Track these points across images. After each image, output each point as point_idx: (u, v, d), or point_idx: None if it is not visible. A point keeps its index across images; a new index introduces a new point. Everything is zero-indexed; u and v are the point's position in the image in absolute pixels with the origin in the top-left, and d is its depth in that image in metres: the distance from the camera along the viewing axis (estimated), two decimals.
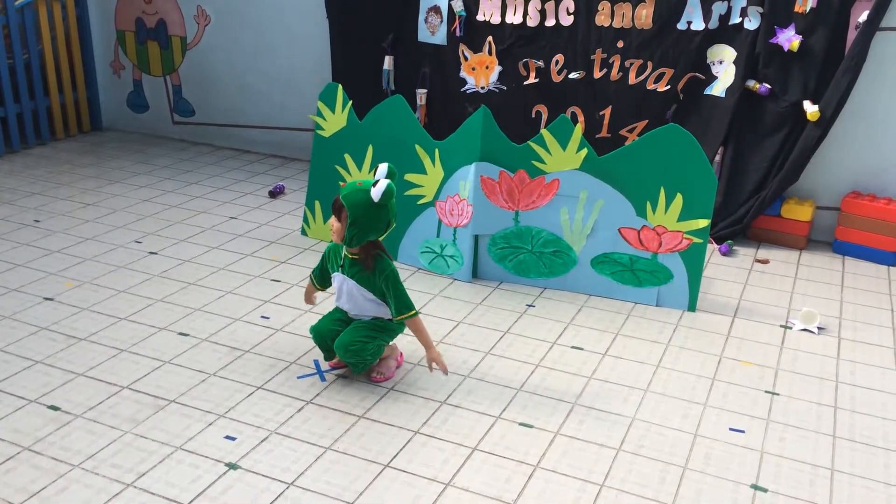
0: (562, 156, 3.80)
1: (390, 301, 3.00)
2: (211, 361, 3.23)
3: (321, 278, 3.20)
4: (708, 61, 4.59)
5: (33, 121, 6.12)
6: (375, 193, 2.85)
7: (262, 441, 2.74)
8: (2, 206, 4.89)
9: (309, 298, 3.33)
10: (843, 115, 4.39)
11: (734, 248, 4.57)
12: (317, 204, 4.49)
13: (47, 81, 6.13)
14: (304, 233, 4.62)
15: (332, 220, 2.96)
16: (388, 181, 2.87)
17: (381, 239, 3.04)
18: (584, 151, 3.77)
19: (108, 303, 3.70)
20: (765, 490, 2.58)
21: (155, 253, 4.28)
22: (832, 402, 3.08)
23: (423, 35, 5.23)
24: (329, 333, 3.10)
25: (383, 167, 2.93)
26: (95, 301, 3.71)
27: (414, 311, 3.03)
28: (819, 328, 3.64)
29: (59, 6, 6.12)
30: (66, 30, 6.22)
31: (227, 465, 2.61)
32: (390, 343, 3.17)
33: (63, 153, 6.03)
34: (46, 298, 3.72)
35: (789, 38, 4.30)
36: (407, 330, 3.10)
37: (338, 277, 3.09)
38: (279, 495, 2.48)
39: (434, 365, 3.02)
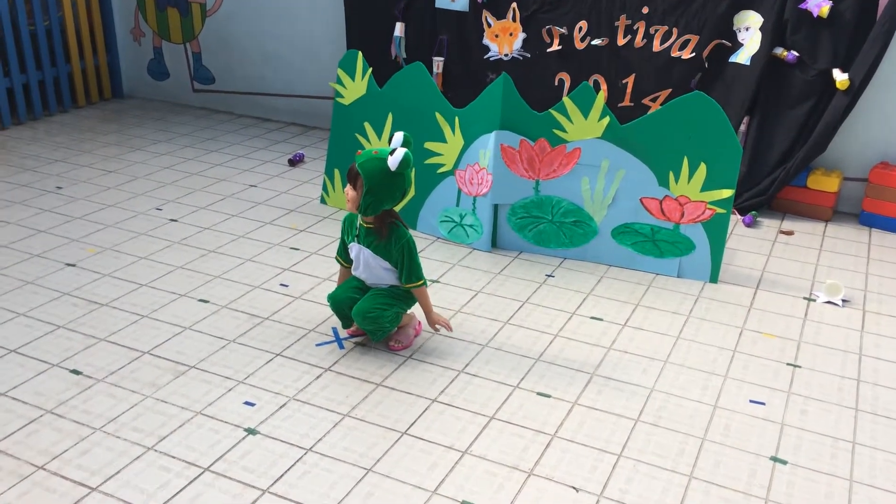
0: (583, 124, 3.75)
1: (403, 268, 3.00)
2: (230, 328, 3.25)
3: (345, 254, 3.19)
4: (734, 28, 4.49)
5: (55, 88, 6.13)
6: (392, 162, 2.82)
7: (280, 407, 2.75)
8: (24, 172, 4.92)
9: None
10: (872, 84, 4.28)
11: (758, 219, 4.50)
12: (336, 172, 4.47)
13: (68, 48, 6.14)
14: (323, 201, 4.61)
15: (348, 189, 2.94)
16: (405, 150, 2.84)
17: (397, 208, 3.02)
18: (606, 120, 3.71)
19: (130, 269, 3.72)
20: (784, 462, 2.56)
21: (175, 220, 4.30)
22: (855, 375, 3.04)
23: (442, 2, 5.15)
24: (347, 301, 3.10)
25: (399, 136, 2.90)
26: (117, 267, 3.73)
27: (423, 281, 3.03)
28: (843, 301, 3.59)
29: None
30: None
31: (246, 430, 2.63)
32: (408, 311, 3.16)
33: (84, 120, 6.05)
34: (68, 264, 3.75)
35: (819, 4, 4.19)
36: None
37: (354, 247, 3.08)
38: (297, 460, 2.50)
39: (437, 326, 3.06)
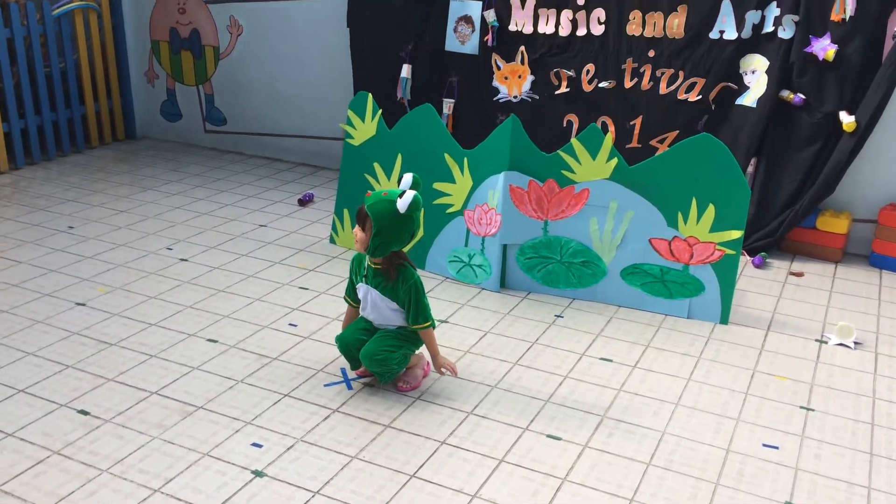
0: (591, 165, 3.77)
1: (410, 309, 2.99)
2: (239, 368, 3.24)
3: (354, 294, 3.18)
4: (740, 71, 4.54)
5: (69, 129, 6.22)
6: (402, 205, 2.84)
7: (288, 449, 2.73)
8: (37, 212, 4.97)
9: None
10: (879, 126, 4.30)
11: (768, 260, 4.49)
12: (345, 212, 4.49)
13: (83, 90, 6.24)
14: (332, 241, 4.63)
15: (357, 230, 2.95)
16: (414, 192, 2.86)
17: (405, 249, 3.03)
18: (615, 161, 3.73)
19: (139, 308, 3.73)
20: None
21: (185, 260, 4.31)
22: (869, 419, 3.00)
23: (452, 45, 5.23)
24: (354, 343, 3.09)
25: (408, 177, 2.92)
26: (126, 307, 3.74)
27: (430, 323, 3.03)
28: (856, 343, 3.56)
29: (95, 16, 6.23)
30: (101, 39, 6.33)
31: (253, 472, 2.61)
32: (416, 352, 3.15)
33: (97, 161, 6.12)
34: (78, 303, 3.76)
35: (825, 48, 4.23)
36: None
37: (362, 288, 3.08)
38: (305, 503, 2.48)
39: (443, 370, 3.05)
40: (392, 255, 2.97)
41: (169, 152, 6.41)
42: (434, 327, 3.08)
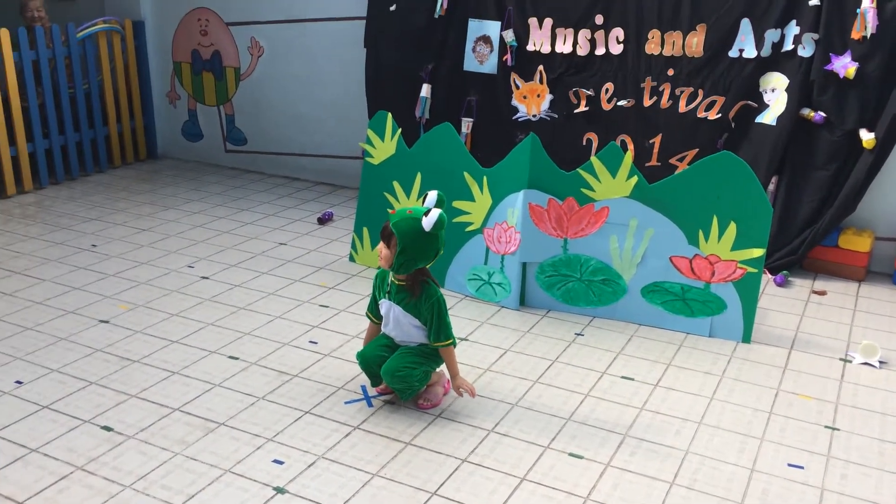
0: (611, 183, 3.77)
1: (432, 326, 2.99)
2: (260, 385, 3.25)
3: (376, 311, 3.19)
4: (760, 89, 4.53)
5: (92, 149, 6.31)
6: (427, 223, 2.85)
7: (309, 466, 2.73)
8: (60, 230, 5.03)
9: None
10: None
11: (790, 279, 4.46)
12: (365, 230, 4.52)
13: (106, 111, 6.33)
14: (352, 259, 4.64)
15: (381, 247, 2.97)
16: (439, 211, 2.87)
17: (428, 266, 3.04)
18: (635, 179, 3.73)
19: (161, 326, 3.76)
20: None
21: (207, 278, 4.35)
22: (895, 439, 2.97)
23: (471, 64, 5.26)
24: (375, 359, 3.10)
25: (433, 195, 2.93)
26: (149, 324, 3.77)
27: (452, 341, 3.02)
28: (881, 362, 3.52)
29: (118, 38, 6.33)
30: (124, 61, 6.43)
31: (274, 489, 2.61)
32: (437, 370, 3.15)
33: (120, 180, 6.19)
34: (102, 321, 3.80)
35: (845, 65, 4.22)
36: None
37: (385, 304, 3.09)
38: None
39: (462, 389, 3.04)
40: (416, 271, 2.98)
41: (190, 172, 6.48)
42: (455, 345, 3.08)
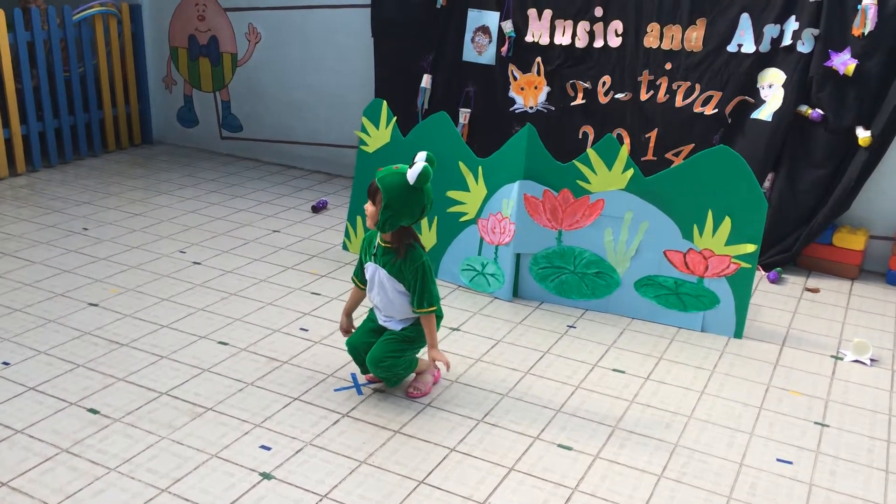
0: (607, 175, 3.75)
1: (415, 291, 2.93)
2: (249, 371, 3.23)
3: (362, 275, 3.13)
4: (757, 85, 4.51)
5: (86, 133, 6.26)
6: (412, 175, 2.80)
7: (296, 452, 2.72)
8: (52, 213, 4.99)
9: (348, 312, 3.21)
10: None
11: (783, 276, 4.45)
12: (359, 219, 4.49)
13: (101, 95, 6.28)
14: (345, 247, 4.62)
15: (368, 205, 2.93)
16: (424, 164, 2.82)
17: (414, 228, 2.99)
18: (630, 171, 3.72)
19: (151, 310, 3.73)
20: None
21: (198, 263, 4.32)
22: (885, 436, 2.96)
23: (469, 55, 5.24)
24: (363, 347, 3.08)
25: (422, 154, 2.88)
26: (139, 308, 3.75)
27: (436, 309, 2.96)
28: (872, 360, 3.51)
29: (115, 22, 6.29)
30: (121, 45, 6.39)
31: (261, 474, 2.59)
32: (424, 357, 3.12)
33: (113, 165, 6.16)
34: (91, 304, 3.77)
35: (845, 62, 4.20)
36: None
37: (370, 267, 3.05)
38: None
39: (437, 362, 2.97)
40: (402, 232, 2.93)
41: (185, 158, 6.44)
42: (441, 316, 3.03)
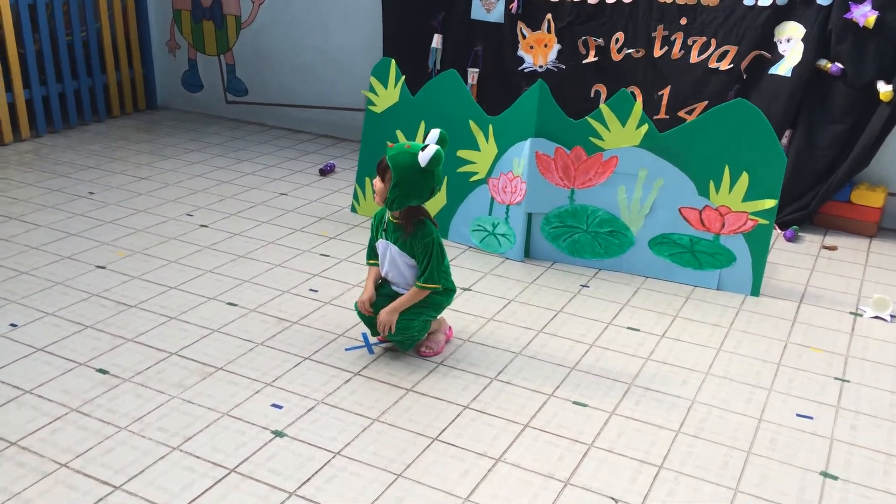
0: (621, 132, 3.67)
1: (422, 265, 2.89)
2: (259, 331, 3.19)
3: (374, 253, 3.10)
4: (775, 39, 4.40)
5: (90, 98, 6.19)
6: (423, 158, 2.75)
7: (308, 410, 2.68)
8: (57, 178, 4.94)
9: (371, 288, 3.05)
10: None
11: (800, 234, 4.38)
12: (367, 181, 4.42)
13: (104, 59, 6.20)
14: (353, 210, 4.56)
15: (377, 181, 2.88)
16: (437, 147, 2.77)
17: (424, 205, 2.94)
18: (645, 127, 3.63)
19: (159, 272, 3.69)
20: (835, 478, 2.43)
21: (206, 226, 4.27)
22: None
23: (478, 13, 5.13)
24: (375, 307, 3.03)
25: (435, 132, 2.83)
26: (146, 270, 3.71)
27: (439, 288, 2.92)
28: (892, 316, 3.45)
29: None
30: (123, 8, 6.28)
31: (273, 432, 2.56)
32: (437, 317, 3.08)
33: (118, 130, 6.09)
34: (98, 266, 3.73)
35: (865, 14, 4.08)
36: (456, 304, 2.99)
37: (381, 244, 3.01)
38: (325, 464, 2.42)
39: (382, 323, 2.90)
40: (411, 209, 2.89)
41: (190, 122, 6.36)
42: (453, 291, 3.00)
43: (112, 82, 6.30)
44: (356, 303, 3.09)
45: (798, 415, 2.74)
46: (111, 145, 5.67)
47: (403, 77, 4.18)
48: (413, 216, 2.90)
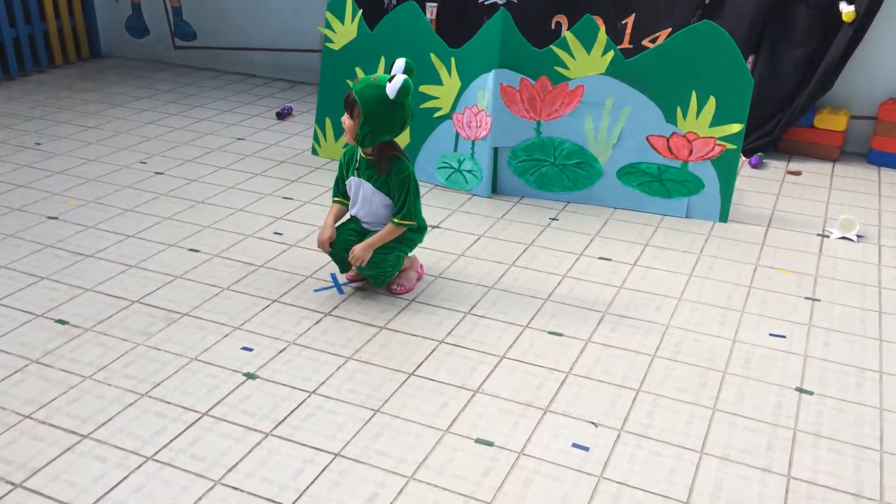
0: (586, 60, 3.59)
1: (399, 202, 2.82)
2: (223, 276, 3.10)
3: (344, 192, 3.00)
4: None
5: (30, 47, 5.89)
6: (391, 90, 2.65)
7: (280, 352, 2.61)
8: (1, 129, 4.71)
9: (331, 224, 2.95)
10: (880, 17, 4.14)
11: (765, 160, 4.38)
12: (327, 121, 4.29)
13: (43, 6, 5.89)
14: (314, 152, 4.44)
15: (345, 118, 2.77)
16: (404, 77, 2.67)
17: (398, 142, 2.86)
18: (611, 54, 3.56)
19: (115, 221, 3.55)
20: (811, 393, 2.45)
21: (161, 173, 4.12)
22: (877, 307, 2.93)
23: None
24: (343, 244, 2.94)
25: (401, 62, 2.73)
26: (101, 219, 3.56)
27: (415, 224, 2.87)
28: (858, 236, 3.48)
29: None
30: None
31: (245, 374, 2.49)
32: (409, 255, 3.02)
33: (62, 79, 5.82)
34: (50, 217, 3.58)
35: None
36: (426, 241, 2.92)
37: (353, 181, 2.91)
38: (301, 403, 2.36)
39: (354, 256, 2.83)
40: (384, 145, 2.80)
41: (138, 70, 6.11)
42: (425, 229, 2.95)
43: (53, 30, 6.00)
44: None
45: (771, 334, 2.75)
46: (56, 95, 5.43)
47: (360, 11, 4.03)
48: (387, 152, 2.80)
